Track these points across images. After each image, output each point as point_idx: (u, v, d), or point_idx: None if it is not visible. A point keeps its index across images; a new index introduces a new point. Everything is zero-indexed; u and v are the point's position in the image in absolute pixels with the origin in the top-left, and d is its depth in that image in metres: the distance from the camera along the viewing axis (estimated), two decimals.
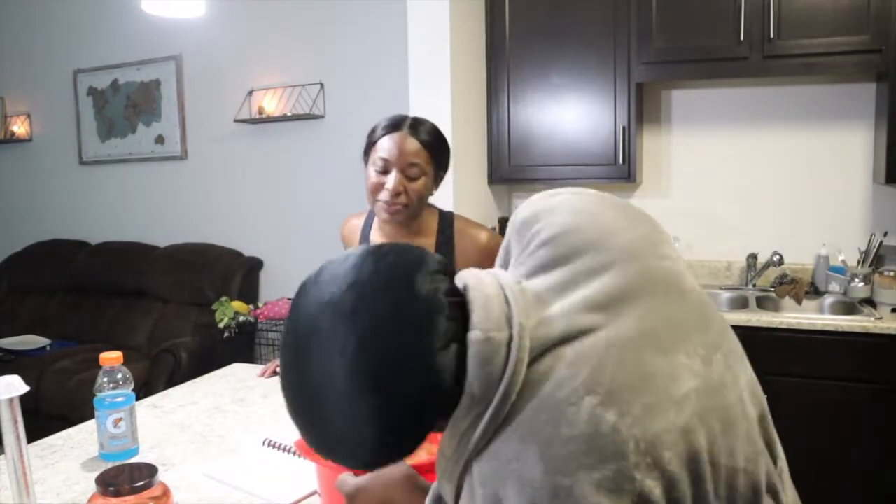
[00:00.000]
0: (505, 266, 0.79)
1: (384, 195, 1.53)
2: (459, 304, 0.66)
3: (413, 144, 1.52)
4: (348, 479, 0.91)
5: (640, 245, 0.73)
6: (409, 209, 1.56)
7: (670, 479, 0.61)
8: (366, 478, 0.90)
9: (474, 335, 0.64)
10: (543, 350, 0.65)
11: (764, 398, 0.76)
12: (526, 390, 0.63)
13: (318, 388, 0.63)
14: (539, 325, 0.66)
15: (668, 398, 0.64)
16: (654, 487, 0.60)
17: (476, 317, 0.65)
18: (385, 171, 1.53)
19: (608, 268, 0.70)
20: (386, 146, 1.52)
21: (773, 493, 0.72)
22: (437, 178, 1.63)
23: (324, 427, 0.65)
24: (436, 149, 1.57)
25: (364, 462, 0.67)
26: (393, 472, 0.89)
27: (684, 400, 0.64)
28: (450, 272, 0.69)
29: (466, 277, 0.69)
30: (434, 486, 0.85)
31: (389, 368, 0.61)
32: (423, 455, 1.13)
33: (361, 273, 0.65)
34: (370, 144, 1.58)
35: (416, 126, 1.55)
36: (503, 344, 0.64)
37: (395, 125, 1.54)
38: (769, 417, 0.76)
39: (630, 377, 0.63)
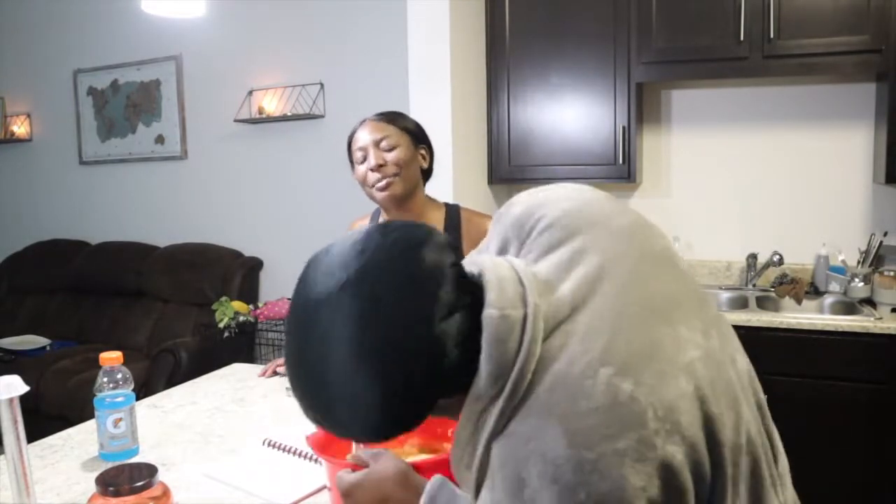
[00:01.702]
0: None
1: (372, 177, 1.62)
2: (468, 281, 0.67)
3: (377, 124, 1.65)
4: (345, 475, 0.92)
5: (635, 226, 0.76)
6: (401, 178, 1.63)
7: (691, 444, 0.62)
8: (361, 474, 0.90)
9: (489, 313, 0.65)
10: (554, 328, 0.66)
11: (762, 392, 0.77)
12: (541, 368, 0.64)
13: (324, 358, 0.64)
14: (549, 304, 0.67)
15: (677, 365, 0.65)
16: (677, 453, 0.61)
17: (491, 295, 0.66)
18: (365, 159, 1.64)
19: (608, 244, 0.72)
20: (358, 137, 1.66)
21: (773, 485, 0.72)
22: (421, 151, 1.69)
23: (330, 397, 0.65)
24: (399, 121, 1.67)
25: (369, 431, 0.67)
26: (388, 468, 0.90)
27: (690, 368, 0.66)
28: (458, 250, 0.70)
29: (480, 261, 0.70)
30: (430, 483, 0.85)
31: (391, 334, 0.62)
32: (418, 454, 1.14)
33: (368, 245, 0.66)
34: (349, 149, 1.69)
35: (380, 113, 1.69)
36: (518, 322, 0.65)
37: (361, 121, 1.68)
38: (767, 412, 0.77)
39: (641, 346, 0.65)
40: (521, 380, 0.64)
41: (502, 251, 0.80)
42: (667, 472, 0.61)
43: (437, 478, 0.86)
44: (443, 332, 0.63)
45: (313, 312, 0.66)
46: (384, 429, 0.67)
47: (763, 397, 0.77)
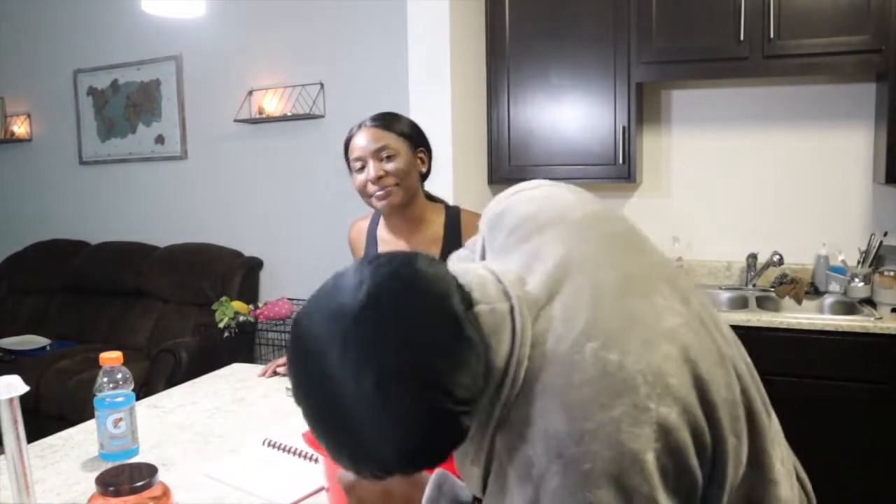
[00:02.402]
0: (482, 259, 0.85)
1: (371, 188, 1.60)
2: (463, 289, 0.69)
3: (374, 132, 1.62)
4: (347, 473, 0.91)
5: (595, 215, 0.80)
6: (401, 188, 1.61)
7: (683, 404, 0.65)
8: None
9: (481, 308, 0.67)
10: (536, 315, 0.69)
11: (747, 357, 0.80)
12: (533, 352, 0.67)
13: (347, 393, 0.62)
14: (526, 294, 0.70)
15: (658, 332, 0.68)
16: (670, 413, 0.64)
17: (477, 294, 0.68)
18: (363, 168, 1.62)
19: (571, 235, 0.76)
20: (355, 145, 1.63)
21: (773, 439, 0.76)
22: (419, 155, 1.68)
23: (353, 437, 0.64)
24: (396, 125, 1.65)
25: (393, 465, 0.65)
26: None
27: (673, 333, 0.69)
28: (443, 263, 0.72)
29: (454, 269, 0.71)
30: (433, 476, 0.85)
31: (422, 355, 0.62)
32: None
33: (364, 277, 0.65)
34: (346, 156, 1.67)
35: (375, 118, 1.66)
36: (507, 313, 0.68)
37: (357, 126, 1.66)
38: (755, 372, 0.79)
39: (621, 319, 0.68)
40: (520, 366, 0.66)
41: (482, 249, 0.85)
42: (664, 432, 0.64)
43: (439, 471, 0.87)
44: (471, 335, 0.65)
45: (321, 351, 0.64)
46: (417, 463, 0.66)
47: (749, 361, 0.80)
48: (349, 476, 0.91)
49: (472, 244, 0.92)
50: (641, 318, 0.69)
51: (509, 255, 0.77)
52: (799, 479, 0.84)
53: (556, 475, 0.63)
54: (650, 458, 0.63)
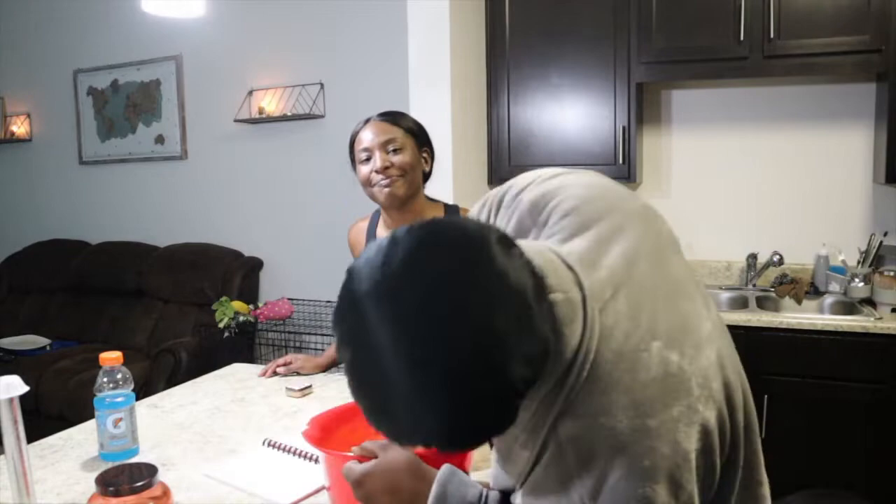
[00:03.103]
0: None
1: (376, 178, 1.62)
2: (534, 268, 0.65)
3: (384, 125, 1.64)
4: (354, 466, 0.92)
5: (646, 209, 0.80)
6: (406, 181, 1.62)
7: (718, 408, 0.69)
8: (371, 464, 0.91)
9: (556, 297, 0.66)
10: (602, 307, 0.69)
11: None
12: (601, 346, 0.67)
13: (397, 363, 0.59)
14: (593, 284, 0.69)
15: (703, 337, 0.71)
16: (711, 417, 0.68)
17: (552, 280, 0.66)
18: (369, 160, 1.63)
19: (629, 228, 0.75)
20: (362, 138, 1.64)
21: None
22: (424, 154, 1.69)
23: (398, 407, 0.61)
24: (404, 122, 1.67)
25: (435, 440, 0.62)
26: (399, 458, 0.90)
27: (710, 338, 0.72)
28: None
29: (523, 247, 0.66)
30: (441, 472, 0.86)
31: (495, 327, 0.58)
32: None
33: (423, 245, 0.60)
34: (352, 148, 1.68)
35: (383, 113, 1.68)
36: (580, 304, 0.67)
37: (364, 121, 1.67)
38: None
39: (676, 320, 0.71)
40: (587, 357, 0.67)
41: (519, 236, 0.79)
42: (705, 434, 0.67)
43: (447, 467, 0.87)
44: (542, 319, 0.62)
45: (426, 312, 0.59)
46: (479, 434, 0.63)
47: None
48: (356, 471, 0.91)
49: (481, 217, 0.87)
50: (690, 320, 0.72)
51: (567, 238, 0.74)
52: None
53: (619, 468, 0.64)
54: (694, 458, 0.66)
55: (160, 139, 4.06)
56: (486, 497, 0.84)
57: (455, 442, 0.63)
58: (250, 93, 3.71)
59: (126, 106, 4.15)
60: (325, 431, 1.13)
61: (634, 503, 0.64)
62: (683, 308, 0.72)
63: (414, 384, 0.58)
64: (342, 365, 0.66)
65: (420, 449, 0.70)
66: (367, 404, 0.64)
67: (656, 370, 0.67)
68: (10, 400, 0.96)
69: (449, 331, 0.57)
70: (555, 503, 0.69)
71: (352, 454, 0.95)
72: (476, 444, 0.64)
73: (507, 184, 0.86)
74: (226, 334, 3.37)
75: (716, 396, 0.69)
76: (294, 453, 1.28)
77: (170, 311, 3.76)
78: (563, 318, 0.65)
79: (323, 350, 2.21)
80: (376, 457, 0.92)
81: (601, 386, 0.67)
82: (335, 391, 1.70)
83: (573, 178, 0.81)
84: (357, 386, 0.64)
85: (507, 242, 0.62)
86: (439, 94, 2.70)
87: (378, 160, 1.61)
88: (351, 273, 0.63)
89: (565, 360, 0.67)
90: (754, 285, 2.88)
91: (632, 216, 0.77)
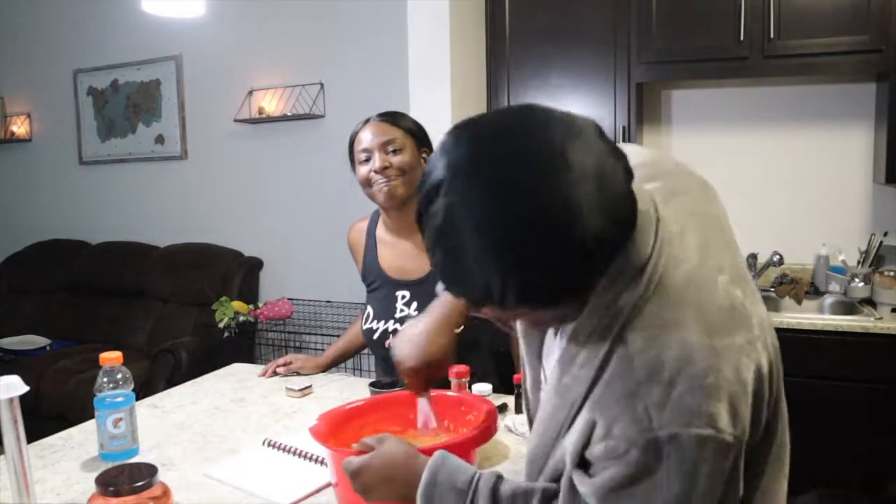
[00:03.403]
0: None
1: (375, 178, 1.61)
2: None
3: (384, 126, 1.64)
4: (353, 459, 0.93)
5: (703, 181, 0.87)
6: (405, 181, 1.62)
7: (769, 359, 0.74)
8: (368, 456, 0.92)
9: (637, 202, 0.71)
10: (670, 238, 0.74)
11: None
12: (670, 266, 0.72)
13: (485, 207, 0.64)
14: (665, 216, 0.75)
15: (758, 296, 0.78)
16: (764, 363, 0.72)
17: (634, 189, 0.70)
18: (369, 160, 1.63)
19: (691, 187, 0.84)
20: (362, 138, 1.64)
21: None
22: (423, 155, 1.69)
23: (464, 248, 0.64)
24: (404, 123, 1.66)
25: (497, 292, 0.65)
26: (395, 450, 0.91)
27: (758, 296, 0.79)
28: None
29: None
30: (429, 463, 0.86)
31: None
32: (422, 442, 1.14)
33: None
34: (351, 148, 1.68)
35: (382, 114, 1.67)
36: (654, 221, 0.73)
37: (364, 121, 1.67)
38: None
39: (737, 268, 0.77)
40: (654, 272, 0.71)
41: None
42: (759, 377, 0.71)
43: (438, 453, 0.88)
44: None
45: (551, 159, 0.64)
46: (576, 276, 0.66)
47: None
48: (354, 463, 0.92)
49: None
50: (747, 273, 0.79)
51: (640, 181, 0.77)
52: None
53: (685, 382, 0.67)
54: (750, 392, 0.70)
55: (160, 139, 4.06)
56: (478, 479, 0.83)
57: (528, 296, 0.66)
58: (250, 93, 3.71)
59: (126, 106, 4.15)
60: (334, 428, 1.14)
61: (699, 419, 0.66)
62: (740, 261, 0.79)
63: (504, 235, 0.63)
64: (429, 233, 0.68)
65: (488, 311, 0.72)
66: (445, 264, 0.68)
67: (722, 300, 0.72)
68: (10, 400, 0.96)
69: (540, 188, 0.62)
70: (617, 419, 0.70)
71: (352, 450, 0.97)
72: (549, 299, 0.67)
73: None
74: (226, 334, 3.37)
75: (769, 346, 0.74)
76: (294, 453, 1.28)
77: (170, 311, 3.76)
78: (639, 223, 0.70)
79: (323, 350, 2.21)
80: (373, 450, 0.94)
81: (671, 301, 0.71)
82: (335, 391, 1.70)
83: (633, 147, 0.87)
84: (441, 249, 0.67)
85: (606, 136, 0.69)
86: (439, 94, 2.70)
87: (377, 160, 1.60)
88: (456, 134, 0.71)
89: (634, 266, 0.71)
90: None
91: (691, 180, 0.85)
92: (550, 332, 0.87)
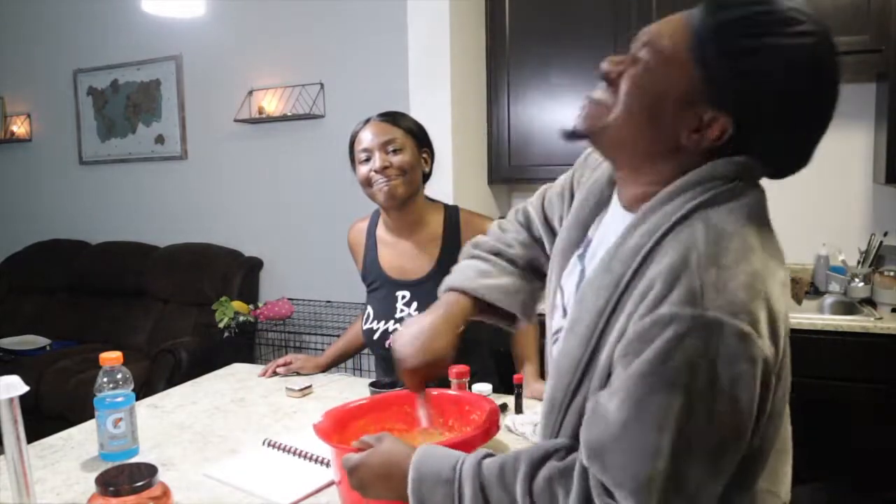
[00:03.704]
0: None
1: (375, 177, 1.61)
2: None
3: (384, 126, 1.64)
4: (351, 455, 0.94)
5: None
6: (405, 181, 1.62)
7: (786, 326, 0.77)
8: (366, 454, 0.92)
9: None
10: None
11: None
12: (745, 189, 0.79)
13: None
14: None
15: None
16: (785, 315, 0.76)
17: None
18: (369, 160, 1.63)
19: None
20: (362, 138, 1.65)
21: None
22: (423, 154, 1.69)
23: None
24: (404, 123, 1.67)
25: None
26: (393, 447, 0.92)
27: None
28: None
29: None
30: (416, 455, 0.87)
31: None
32: (423, 441, 1.14)
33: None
34: (352, 148, 1.68)
35: (383, 114, 1.68)
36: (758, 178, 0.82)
37: (364, 121, 1.67)
38: None
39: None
40: (744, 194, 0.78)
41: None
42: (778, 322, 0.73)
43: (421, 448, 0.89)
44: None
45: None
46: None
47: None
48: (352, 460, 0.93)
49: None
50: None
51: None
52: None
53: (741, 275, 0.71)
54: (782, 332, 0.74)
55: (160, 139, 4.06)
56: (462, 464, 0.84)
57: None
58: (250, 93, 3.71)
59: (126, 106, 4.15)
60: (339, 426, 1.14)
61: (745, 314, 0.68)
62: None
63: None
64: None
65: None
66: None
67: (774, 243, 0.80)
68: (10, 400, 0.96)
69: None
70: (671, 285, 0.71)
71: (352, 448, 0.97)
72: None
73: None
74: (226, 334, 3.37)
75: (787, 314, 0.78)
76: (294, 453, 1.28)
77: (170, 311, 3.76)
78: (754, 171, 0.81)
79: (323, 350, 2.21)
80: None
81: (745, 213, 0.77)
82: (335, 391, 1.70)
83: None
84: None
85: None
86: (439, 94, 2.70)
87: (378, 160, 1.61)
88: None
89: (734, 175, 0.78)
90: None
91: None
92: (574, 258, 0.94)
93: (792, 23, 0.76)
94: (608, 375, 0.76)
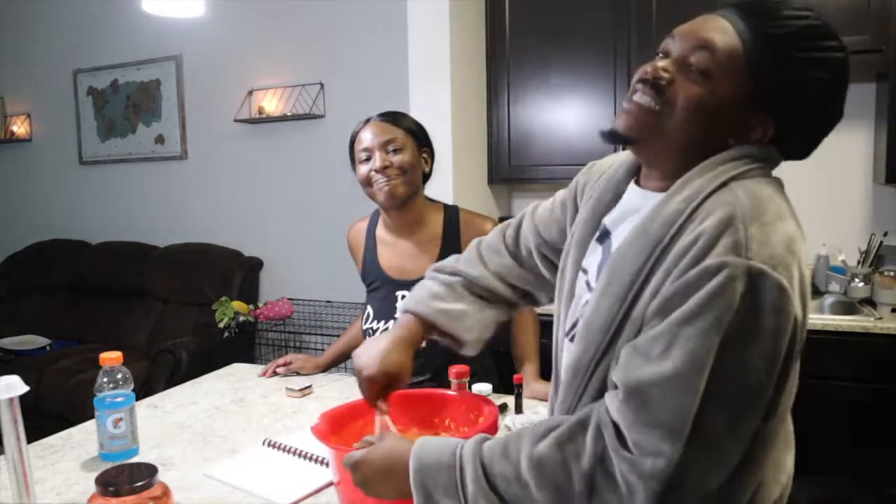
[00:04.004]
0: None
1: (375, 177, 1.61)
2: None
3: (384, 125, 1.64)
4: (353, 453, 0.94)
5: None
6: (405, 180, 1.62)
7: (809, 292, 0.79)
8: (367, 450, 0.93)
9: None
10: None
11: None
12: (770, 169, 0.87)
13: None
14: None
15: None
16: (808, 289, 0.78)
17: None
18: (369, 159, 1.63)
19: None
20: (362, 138, 1.65)
21: None
22: (424, 154, 1.69)
23: None
24: (404, 123, 1.67)
25: None
26: (395, 444, 0.92)
27: None
28: None
29: None
30: (413, 449, 0.87)
31: None
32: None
33: None
34: (352, 148, 1.68)
35: (383, 114, 1.68)
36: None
37: (364, 121, 1.67)
38: None
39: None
40: (769, 172, 0.86)
41: None
42: (806, 289, 0.77)
43: (419, 440, 0.89)
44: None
45: None
46: None
47: None
48: (354, 457, 0.93)
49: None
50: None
51: None
52: None
53: (780, 233, 0.75)
54: (807, 291, 0.77)
55: (160, 139, 4.06)
56: (462, 448, 0.84)
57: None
58: (250, 93, 3.71)
59: (126, 106, 4.15)
60: (335, 426, 1.14)
61: (784, 269, 0.73)
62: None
63: None
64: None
65: None
66: None
67: (796, 224, 0.81)
68: (10, 400, 0.96)
69: None
70: (716, 238, 0.74)
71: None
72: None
73: None
74: (226, 334, 3.37)
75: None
76: (294, 453, 1.28)
77: (170, 311, 3.76)
78: (775, 155, 0.89)
79: (323, 350, 2.21)
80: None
81: (774, 188, 0.84)
82: (335, 391, 1.70)
83: None
84: None
85: None
86: (439, 94, 2.70)
87: (378, 160, 1.61)
88: None
89: (761, 158, 0.85)
90: None
91: None
92: (593, 243, 0.96)
93: (832, 37, 0.85)
94: (639, 331, 0.78)
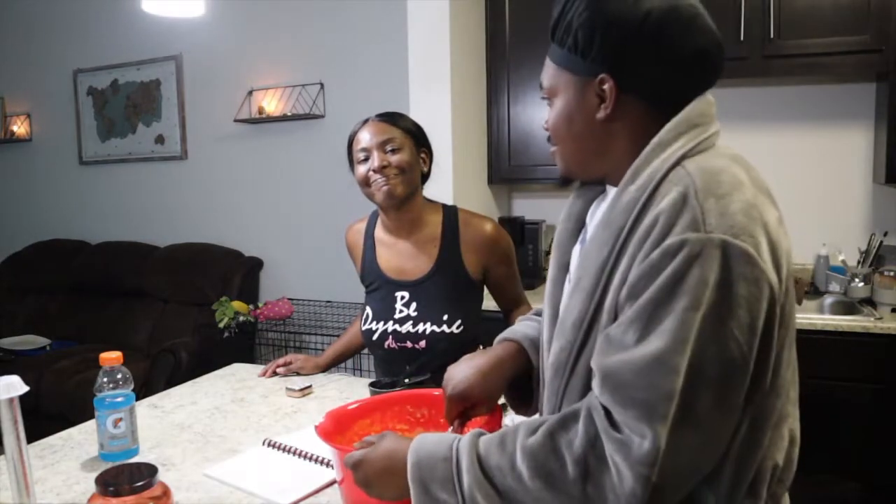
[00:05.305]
0: None
1: (373, 177, 1.61)
2: None
3: (382, 126, 1.64)
4: (354, 453, 0.94)
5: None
6: (404, 180, 1.62)
7: (788, 253, 0.83)
8: (368, 450, 0.93)
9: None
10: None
11: None
12: (713, 136, 0.85)
13: None
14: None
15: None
16: (787, 250, 0.84)
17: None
18: (368, 159, 1.62)
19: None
20: (361, 138, 1.64)
21: None
22: (422, 155, 1.69)
23: None
24: (402, 123, 1.67)
25: None
26: (395, 443, 0.92)
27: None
28: None
29: None
30: (411, 447, 0.87)
31: None
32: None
33: None
34: (350, 149, 1.68)
35: (381, 114, 1.68)
36: (714, 106, 0.87)
37: (363, 121, 1.67)
38: None
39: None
40: (714, 135, 0.85)
41: None
42: (779, 252, 0.79)
43: (416, 437, 0.89)
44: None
45: None
46: None
47: None
48: (355, 456, 0.93)
49: None
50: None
51: None
52: None
53: (737, 202, 0.76)
54: (784, 263, 0.80)
55: (160, 139, 4.06)
56: (459, 442, 0.84)
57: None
58: (250, 93, 3.72)
59: (126, 106, 4.15)
60: (340, 426, 1.14)
61: (746, 236, 0.73)
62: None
63: None
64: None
65: None
66: None
67: (764, 181, 0.85)
68: (10, 400, 0.96)
69: None
70: (673, 220, 0.75)
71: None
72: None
73: None
74: (226, 334, 3.37)
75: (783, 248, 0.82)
76: (294, 453, 1.28)
77: (170, 311, 3.76)
78: (710, 111, 0.86)
79: (323, 350, 2.21)
80: None
81: (729, 156, 0.83)
82: (335, 391, 1.70)
83: None
84: None
85: None
86: (439, 95, 2.70)
87: (376, 159, 1.60)
88: None
89: (698, 123, 0.83)
90: None
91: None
92: (577, 247, 0.97)
93: None
94: (614, 320, 0.78)
